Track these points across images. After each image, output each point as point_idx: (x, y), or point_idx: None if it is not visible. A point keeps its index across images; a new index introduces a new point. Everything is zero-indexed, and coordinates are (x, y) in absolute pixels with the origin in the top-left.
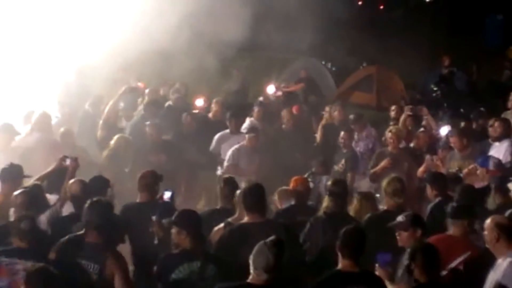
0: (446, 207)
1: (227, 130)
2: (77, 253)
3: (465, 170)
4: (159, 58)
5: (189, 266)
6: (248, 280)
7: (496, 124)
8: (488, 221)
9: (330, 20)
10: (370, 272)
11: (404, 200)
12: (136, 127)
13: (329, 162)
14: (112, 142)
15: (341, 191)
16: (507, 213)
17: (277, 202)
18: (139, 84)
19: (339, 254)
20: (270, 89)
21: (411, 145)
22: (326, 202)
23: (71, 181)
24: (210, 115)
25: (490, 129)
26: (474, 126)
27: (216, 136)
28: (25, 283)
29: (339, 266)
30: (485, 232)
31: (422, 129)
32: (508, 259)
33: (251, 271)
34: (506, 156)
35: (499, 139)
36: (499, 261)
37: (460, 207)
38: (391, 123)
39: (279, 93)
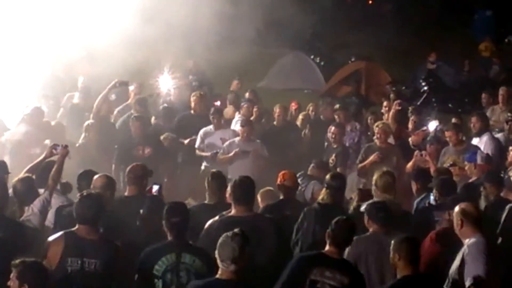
0: None
1: (211, 126)
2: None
3: (454, 172)
4: (141, 51)
5: (170, 257)
6: (217, 276)
7: (474, 119)
8: (456, 208)
9: (319, 15)
10: (349, 262)
11: (394, 195)
12: (124, 125)
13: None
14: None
15: (339, 185)
16: (507, 207)
17: (260, 204)
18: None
19: (327, 240)
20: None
21: (410, 139)
22: (322, 194)
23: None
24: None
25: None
26: None
27: (200, 132)
28: (16, 278)
29: (324, 249)
30: (453, 219)
31: (424, 128)
32: (470, 241)
33: (219, 265)
34: (487, 150)
35: (478, 134)
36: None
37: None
38: (370, 117)
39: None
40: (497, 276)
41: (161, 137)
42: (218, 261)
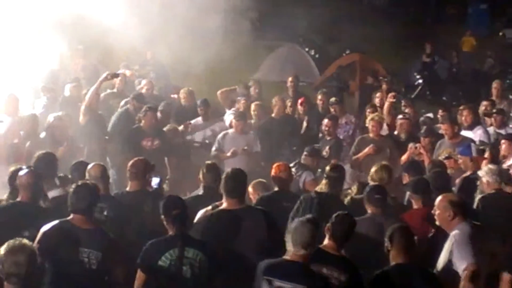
0: None
1: (199, 118)
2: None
3: (449, 164)
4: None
5: (173, 252)
6: (285, 257)
7: (466, 112)
8: (439, 199)
9: (314, 8)
10: (348, 259)
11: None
12: (121, 119)
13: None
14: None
15: (338, 176)
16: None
17: (251, 195)
18: (127, 72)
19: (327, 234)
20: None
21: (395, 132)
22: (321, 184)
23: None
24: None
25: (460, 118)
26: None
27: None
28: None
29: (323, 244)
30: (437, 211)
31: (401, 116)
32: (456, 231)
33: (289, 248)
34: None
35: (471, 127)
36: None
37: (417, 182)
38: (369, 110)
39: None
40: (486, 264)
41: (165, 129)
42: (289, 244)
